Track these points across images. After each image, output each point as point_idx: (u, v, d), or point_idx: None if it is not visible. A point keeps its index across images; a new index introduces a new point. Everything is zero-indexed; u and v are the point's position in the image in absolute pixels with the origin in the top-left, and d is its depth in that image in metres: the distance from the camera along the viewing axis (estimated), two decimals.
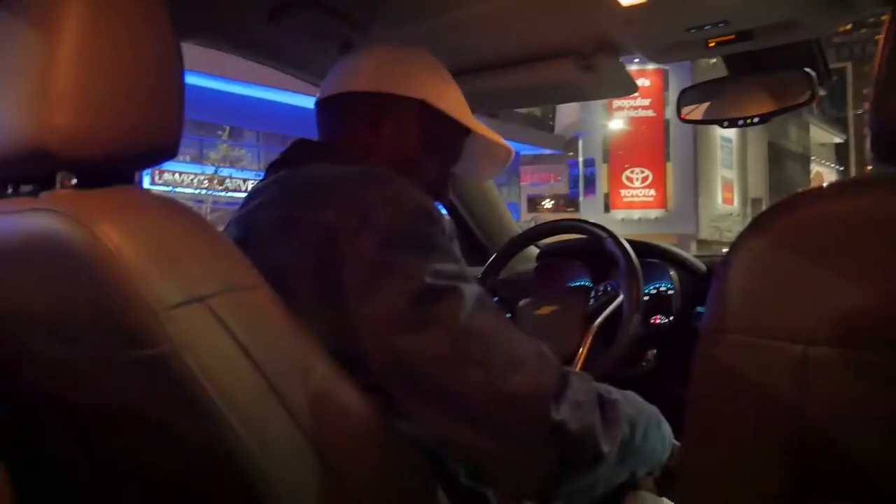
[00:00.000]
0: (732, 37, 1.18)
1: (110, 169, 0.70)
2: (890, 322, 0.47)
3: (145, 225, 0.65)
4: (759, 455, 0.55)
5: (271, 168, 0.98)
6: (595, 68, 1.39)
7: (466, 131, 1.06)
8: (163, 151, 0.71)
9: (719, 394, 0.59)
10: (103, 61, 0.66)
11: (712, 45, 1.21)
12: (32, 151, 0.65)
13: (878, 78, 0.51)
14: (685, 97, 1.34)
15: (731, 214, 22.71)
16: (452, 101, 1.04)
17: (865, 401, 0.50)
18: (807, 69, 1.15)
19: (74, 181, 0.67)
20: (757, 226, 0.59)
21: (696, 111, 1.33)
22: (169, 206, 0.68)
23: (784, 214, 0.58)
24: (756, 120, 1.22)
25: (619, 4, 1.14)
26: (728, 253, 0.60)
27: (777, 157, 26.30)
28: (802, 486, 0.53)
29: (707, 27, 1.17)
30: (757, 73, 1.24)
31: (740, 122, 1.24)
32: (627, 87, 1.51)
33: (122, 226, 0.62)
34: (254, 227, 0.87)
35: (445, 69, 1.06)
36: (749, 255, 0.58)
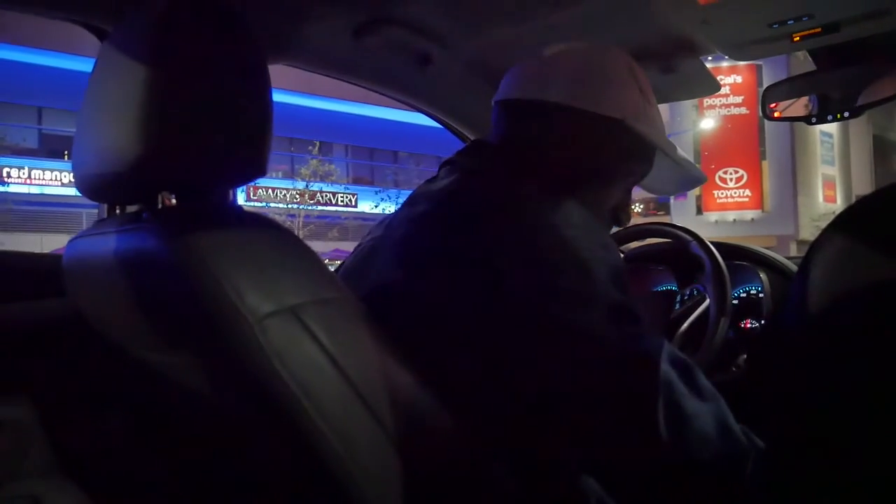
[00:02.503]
0: (818, 30, 1.14)
1: (206, 187, 0.76)
2: None
3: (239, 240, 0.69)
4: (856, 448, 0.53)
5: (443, 168, 0.94)
6: (675, 69, 1.37)
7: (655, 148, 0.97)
8: (254, 170, 0.76)
9: (806, 395, 0.57)
10: (197, 88, 0.71)
11: (797, 39, 1.17)
12: (136, 174, 0.71)
13: None
14: (770, 94, 1.30)
15: (833, 213, 21.54)
16: (650, 119, 0.95)
17: None
18: None
19: (174, 200, 0.73)
20: (840, 221, 0.57)
21: (782, 107, 1.29)
22: (260, 221, 0.73)
23: (868, 209, 0.56)
24: (846, 115, 1.17)
25: (696, 3, 1.12)
26: (809, 250, 0.58)
27: (883, 151, 24.80)
28: None
29: (790, 22, 1.13)
30: (846, 66, 1.20)
31: (829, 118, 1.20)
32: (710, 86, 1.48)
33: (217, 241, 0.67)
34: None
35: (643, 74, 0.97)
36: (831, 252, 0.56)
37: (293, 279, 0.69)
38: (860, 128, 23.51)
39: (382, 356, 0.71)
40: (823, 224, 0.60)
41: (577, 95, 0.90)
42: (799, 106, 1.30)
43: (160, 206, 0.73)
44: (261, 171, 0.75)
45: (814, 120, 1.24)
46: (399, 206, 0.94)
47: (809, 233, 20.43)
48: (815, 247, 0.58)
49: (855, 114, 1.17)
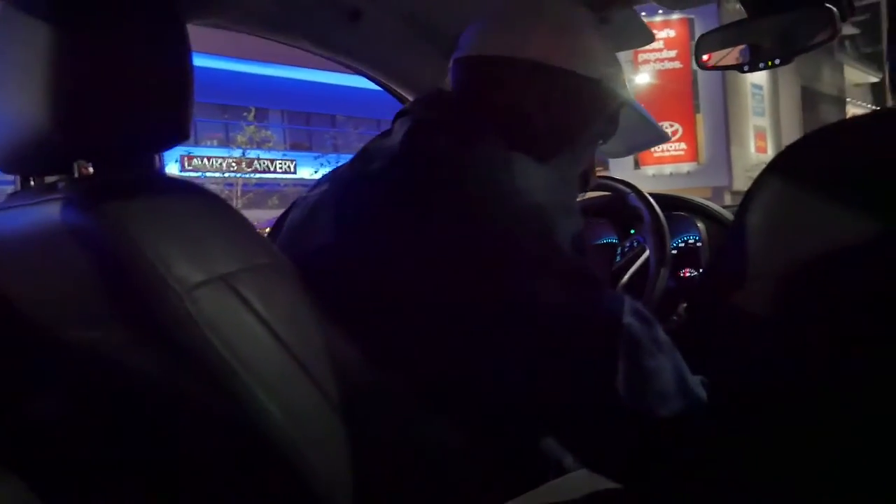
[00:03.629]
0: None
1: (125, 154, 0.72)
2: None
3: (162, 208, 0.66)
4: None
5: (397, 120, 0.90)
6: (610, 20, 1.36)
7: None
8: (175, 134, 0.72)
9: (743, 342, 0.58)
10: (109, 49, 0.67)
11: None
12: (47, 143, 0.67)
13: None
14: (703, 43, 1.31)
15: (765, 164, 22.21)
16: (617, 77, 0.95)
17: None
18: (827, 5, 1.11)
19: (91, 169, 0.69)
20: (774, 166, 0.58)
21: (715, 57, 1.29)
22: (185, 188, 0.70)
23: (800, 153, 0.56)
24: (777, 62, 1.18)
25: None
26: (745, 197, 0.59)
27: (811, 102, 25.55)
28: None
29: None
30: (776, 13, 1.21)
31: (761, 65, 1.21)
32: (645, 37, 1.48)
33: (138, 210, 0.64)
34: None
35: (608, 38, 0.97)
36: (767, 197, 0.57)
37: (223, 246, 0.67)
38: (788, 79, 24.14)
39: (321, 322, 0.69)
40: (755, 174, 0.61)
41: (554, 54, 0.88)
42: (732, 55, 1.31)
43: (76, 175, 0.69)
44: (182, 136, 0.72)
45: (746, 68, 1.25)
46: (349, 160, 0.90)
47: (742, 183, 21.00)
48: (751, 193, 0.58)
49: (786, 60, 1.19)
